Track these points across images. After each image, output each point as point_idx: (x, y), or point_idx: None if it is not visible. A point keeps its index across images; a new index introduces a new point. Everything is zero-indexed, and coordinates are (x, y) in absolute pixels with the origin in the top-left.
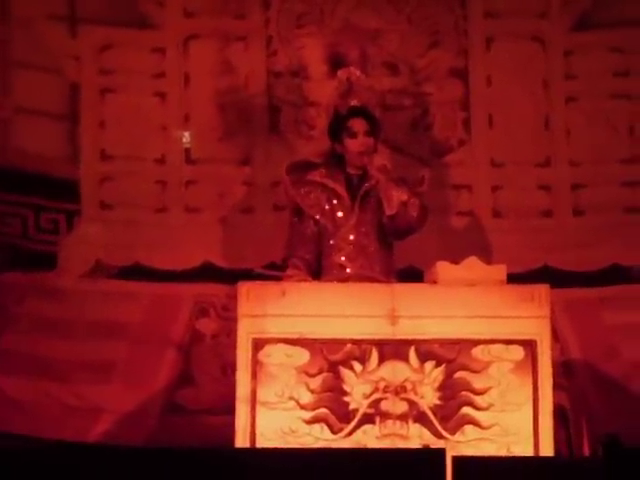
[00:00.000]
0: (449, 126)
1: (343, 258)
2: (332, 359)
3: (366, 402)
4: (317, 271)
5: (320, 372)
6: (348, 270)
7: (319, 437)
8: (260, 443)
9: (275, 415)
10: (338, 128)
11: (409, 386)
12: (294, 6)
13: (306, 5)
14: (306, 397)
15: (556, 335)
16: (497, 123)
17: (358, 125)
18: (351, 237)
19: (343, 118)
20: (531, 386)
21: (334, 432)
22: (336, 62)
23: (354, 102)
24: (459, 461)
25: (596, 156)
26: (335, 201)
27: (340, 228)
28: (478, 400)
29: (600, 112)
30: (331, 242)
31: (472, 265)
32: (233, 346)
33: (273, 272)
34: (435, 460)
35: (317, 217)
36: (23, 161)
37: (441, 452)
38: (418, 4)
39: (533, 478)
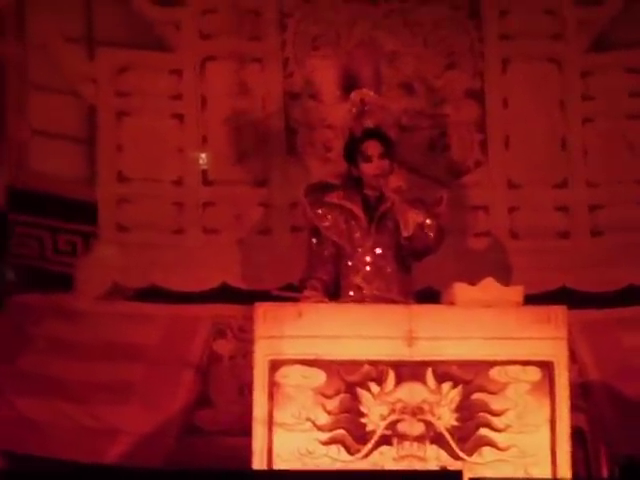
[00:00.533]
0: (466, 147)
1: (360, 279)
2: (349, 380)
3: (383, 423)
4: (335, 292)
5: (337, 393)
6: (365, 291)
7: (336, 458)
8: (277, 464)
9: (292, 436)
10: (353, 151)
11: (426, 407)
12: (310, 28)
13: (322, 27)
14: (323, 418)
15: (573, 356)
16: (514, 144)
17: (372, 148)
18: (368, 258)
19: (357, 141)
20: (548, 407)
21: (351, 453)
22: (349, 83)
23: (368, 123)
24: None
25: (613, 176)
26: (353, 222)
27: (357, 249)
28: (495, 421)
29: (617, 132)
30: (349, 263)
31: (489, 286)
32: (250, 367)
33: (290, 293)
34: None
35: (335, 238)
36: (40, 183)
37: (458, 474)
38: (433, 26)
39: None
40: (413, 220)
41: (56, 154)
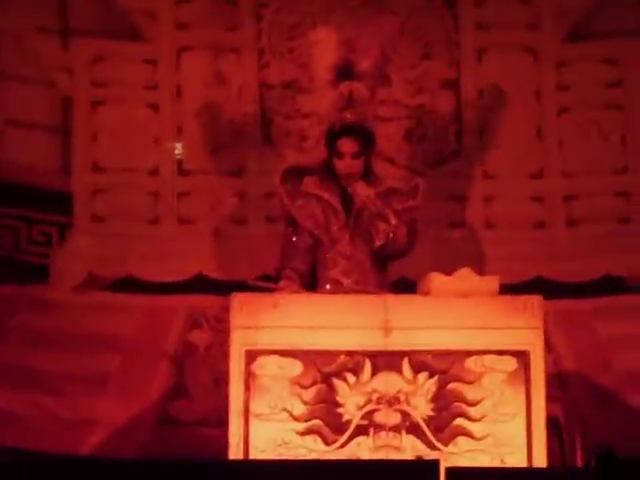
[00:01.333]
0: (442, 137)
1: (339, 273)
2: (325, 371)
3: (359, 413)
4: (311, 283)
5: (313, 384)
6: (344, 284)
7: (312, 449)
8: (253, 455)
9: (268, 427)
10: (329, 145)
11: (402, 397)
12: (286, 18)
13: (298, 17)
14: (299, 409)
15: (549, 346)
16: (489, 134)
17: (347, 146)
18: (347, 252)
19: (334, 136)
20: (524, 397)
21: (327, 444)
22: (344, 72)
23: (349, 118)
24: (453, 472)
25: (589, 167)
26: (331, 214)
27: (336, 242)
28: (471, 411)
29: (593, 123)
30: (327, 256)
31: (465, 276)
32: (226, 358)
33: (265, 283)
34: (429, 471)
35: (312, 230)
36: (15, 174)
37: (435, 463)
38: (408, 15)
39: None
40: (384, 230)
41: (31, 144)
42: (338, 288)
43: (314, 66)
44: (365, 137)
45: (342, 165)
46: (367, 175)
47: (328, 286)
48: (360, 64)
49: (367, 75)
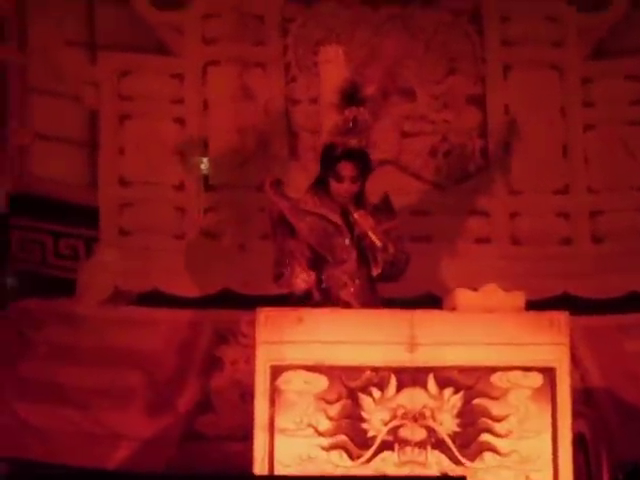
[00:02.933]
0: (467, 153)
1: (350, 295)
2: (351, 386)
3: (385, 429)
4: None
5: (339, 399)
6: (353, 308)
7: (338, 464)
8: (278, 470)
9: (293, 442)
10: (328, 166)
11: (428, 413)
12: (312, 33)
13: (324, 32)
14: (324, 424)
15: (575, 362)
16: (515, 150)
17: (347, 170)
18: (355, 273)
19: (334, 159)
20: (550, 413)
21: (353, 459)
22: (350, 96)
23: (352, 143)
24: None
25: (614, 183)
26: (334, 233)
27: (342, 262)
28: (497, 427)
29: (618, 139)
30: (332, 276)
31: (491, 292)
32: (252, 373)
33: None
34: None
35: (317, 248)
36: (42, 187)
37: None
38: (434, 31)
39: None
40: (382, 259)
41: (58, 158)
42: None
43: (321, 84)
44: (364, 162)
45: (341, 188)
46: (359, 199)
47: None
48: (366, 89)
49: (372, 100)
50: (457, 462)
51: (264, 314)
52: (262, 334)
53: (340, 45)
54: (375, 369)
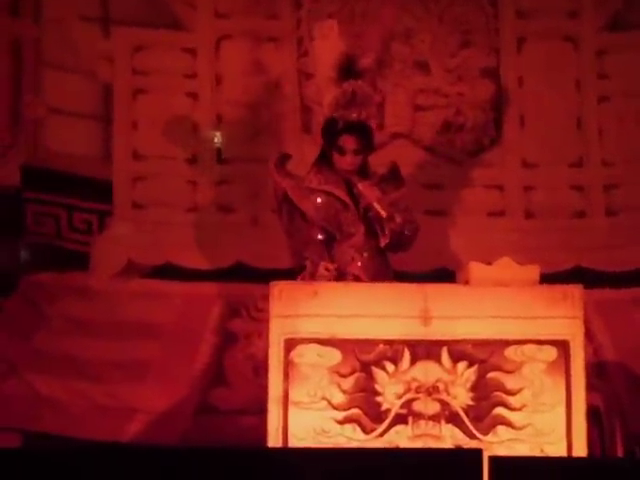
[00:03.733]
0: (481, 126)
1: (359, 269)
2: (364, 359)
3: (398, 402)
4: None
5: (352, 372)
6: (362, 281)
7: (351, 437)
8: (292, 443)
9: (307, 415)
10: (331, 140)
11: (441, 386)
12: (325, 6)
13: (337, 5)
14: (338, 397)
15: (589, 336)
16: (529, 123)
17: (349, 143)
18: (363, 246)
19: (336, 132)
20: (564, 386)
21: (366, 432)
22: (347, 70)
23: (352, 116)
24: (496, 461)
25: (629, 156)
26: (340, 209)
27: (349, 237)
28: (511, 400)
29: (633, 112)
30: (341, 251)
31: (505, 265)
32: (265, 346)
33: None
34: (472, 460)
35: (326, 225)
36: (56, 161)
37: (478, 452)
38: (448, 3)
39: (570, 478)
40: (390, 230)
41: (72, 132)
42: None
43: (318, 60)
44: (366, 135)
45: (343, 161)
46: (363, 171)
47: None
48: (362, 61)
49: (369, 71)
50: (471, 436)
51: (278, 288)
52: (276, 308)
53: (334, 19)
54: (389, 342)
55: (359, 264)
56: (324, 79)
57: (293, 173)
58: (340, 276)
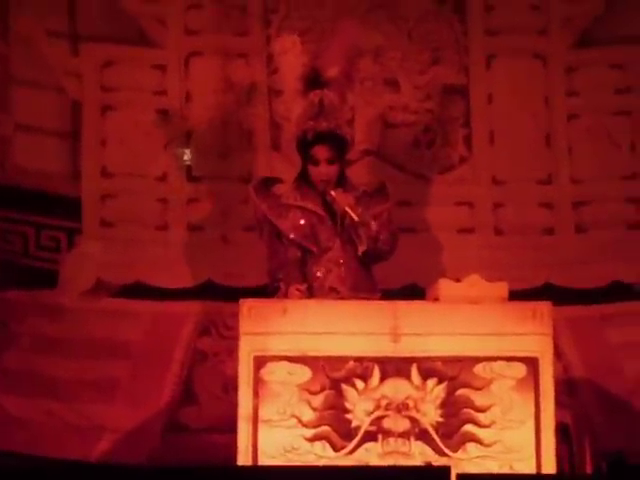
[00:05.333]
0: (450, 143)
1: (335, 280)
2: (334, 376)
3: (368, 420)
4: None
5: (322, 390)
6: (341, 293)
7: (321, 455)
8: (262, 461)
9: (277, 433)
10: (303, 152)
11: (411, 403)
12: (294, 24)
13: (307, 23)
14: (308, 415)
15: (558, 353)
16: (498, 140)
17: (321, 152)
18: (340, 259)
19: (308, 144)
20: (533, 403)
21: (336, 450)
22: (313, 80)
23: (322, 126)
24: (465, 479)
25: (598, 173)
26: (316, 223)
27: (327, 251)
28: (480, 417)
29: (602, 129)
30: (318, 265)
31: (474, 282)
32: (235, 364)
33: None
34: (441, 477)
35: (301, 242)
36: (24, 178)
37: (446, 470)
38: (418, 20)
39: None
40: (366, 236)
41: (40, 149)
42: (336, 296)
43: (283, 74)
44: (339, 143)
45: (318, 172)
46: (341, 181)
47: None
48: (327, 71)
49: (336, 81)
50: (441, 453)
51: (247, 305)
52: (245, 325)
53: (294, 33)
54: (359, 359)
55: (336, 276)
56: (291, 92)
57: (273, 193)
58: (318, 290)
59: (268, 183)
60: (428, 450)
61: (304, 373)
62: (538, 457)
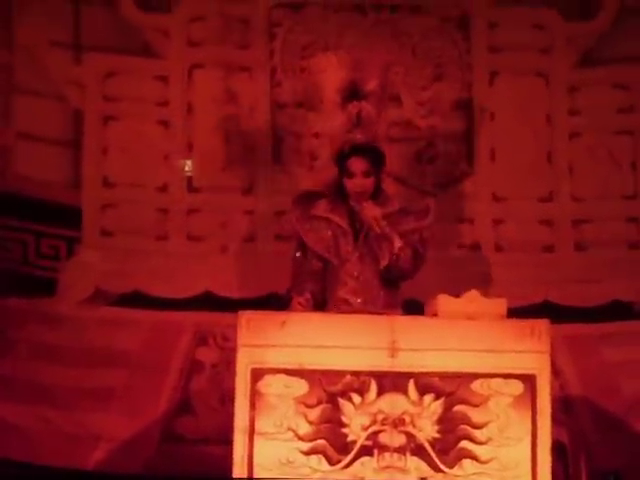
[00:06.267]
0: (452, 159)
1: (348, 292)
2: (331, 390)
3: (364, 434)
4: (322, 305)
5: (319, 403)
6: (353, 305)
7: (317, 468)
8: (257, 473)
9: (273, 446)
10: (340, 166)
11: (407, 419)
12: (299, 38)
13: (311, 37)
14: (304, 428)
15: (556, 370)
16: (500, 157)
17: (357, 165)
18: (355, 272)
19: (344, 156)
20: (530, 421)
21: (332, 464)
22: (351, 93)
23: (359, 138)
24: None
25: (599, 192)
26: (339, 236)
27: (345, 263)
28: (477, 434)
29: (603, 148)
30: (336, 277)
31: (473, 299)
32: (232, 376)
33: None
34: None
35: (321, 252)
36: (25, 187)
37: None
38: (421, 37)
39: None
40: (389, 251)
41: (41, 158)
42: (347, 308)
43: (322, 89)
44: (375, 156)
45: (353, 184)
46: (378, 194)
47: (339, 306)
48: (366, 85)
49: (374, 95)
50: (436, 469)
51: (246, 317)
52: (243, 337)
53: (329, 52)
54: (356, 374)
55: (349, 288)
56: (331, 107)
57: (308, 205)
58: (331, 302)
59: (310, 197)
60: (424, 466)
61: (301, 386)
62: (534, 475)
